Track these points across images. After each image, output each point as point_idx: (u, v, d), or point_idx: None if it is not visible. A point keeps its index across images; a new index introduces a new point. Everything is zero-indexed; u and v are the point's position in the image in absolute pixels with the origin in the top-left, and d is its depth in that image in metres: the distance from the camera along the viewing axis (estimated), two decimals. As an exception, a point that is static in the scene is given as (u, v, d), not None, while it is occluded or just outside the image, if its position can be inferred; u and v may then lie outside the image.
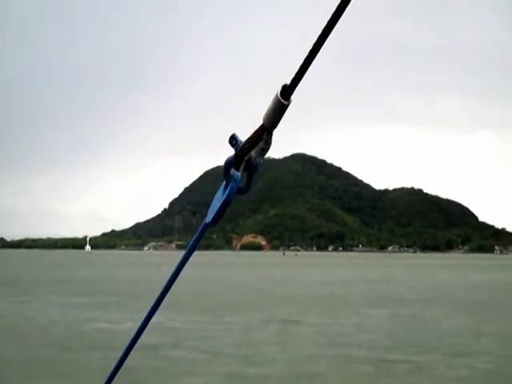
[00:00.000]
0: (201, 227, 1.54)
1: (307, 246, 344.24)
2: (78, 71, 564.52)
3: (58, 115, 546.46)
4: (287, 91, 1.35)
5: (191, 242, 1.58)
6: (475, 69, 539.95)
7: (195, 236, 1.57)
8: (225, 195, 1.44)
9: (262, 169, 1.46)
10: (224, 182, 1.47)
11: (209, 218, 1.49)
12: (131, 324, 24.30)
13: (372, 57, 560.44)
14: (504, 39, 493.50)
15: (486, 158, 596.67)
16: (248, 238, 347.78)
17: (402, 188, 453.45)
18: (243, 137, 1.45)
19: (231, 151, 1.46)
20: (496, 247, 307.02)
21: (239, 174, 1.45)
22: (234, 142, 1.46)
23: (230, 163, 1.45)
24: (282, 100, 1.34)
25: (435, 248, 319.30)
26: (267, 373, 16.02)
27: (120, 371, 1.82)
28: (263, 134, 1.40)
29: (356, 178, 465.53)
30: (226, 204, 1.44)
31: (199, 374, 15.86)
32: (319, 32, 1.29)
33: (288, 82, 1.35)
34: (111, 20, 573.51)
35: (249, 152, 1.43)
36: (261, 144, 1.42)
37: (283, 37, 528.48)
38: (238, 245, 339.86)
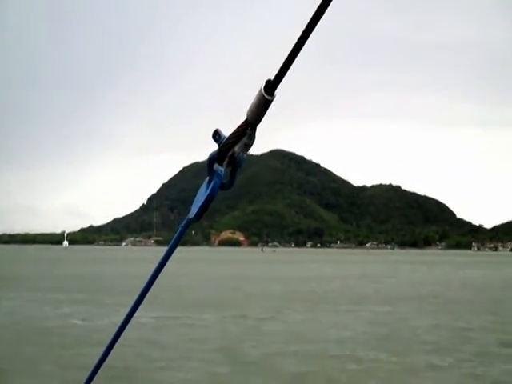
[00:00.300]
0: (184, 222, 1.52)
1: (285, 242, 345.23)
2: (66, 69, 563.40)
3: (44, 113, 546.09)
4: (271, 86, 1.34)
5: (174, 238, 1.55)
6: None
7: (178, 231, 1.54)
8: (208, 190, 1.43)
9: (245, 164, 1.44)
10: (207, 178, 1.45)
11: (192, 214, 1.48)
12: (108, 320, 24.09)
13: (357, 54, 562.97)
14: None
15: (464, 156, 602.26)
16: (226, 234, 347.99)
17: (380, 185, 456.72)
18: (226, 132, 1.43)
19: (212, 147, 1.44)
20: (473, 244, 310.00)
21: (223, 169, 1.43)
22: (217, 137, 1.44)
23: (214, 158, 1.43)
24: (266, 95, 1.33)
25: (413, 244, 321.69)
26: (244, 369, 15.88)
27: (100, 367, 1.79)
28: (247, 129, 1.39)
29: (334, 175, 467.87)
30: (209, 199, 1.43)
31: (174, 369, 15.69)
32: (303, 28, 1.28)
33: (272, 77, 1.34)
34: (99, 18, 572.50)
35: (232, 147, 1.42)
36: (244, 139, 1.41)
37: (269, 32, 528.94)
38: (217, 241, 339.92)
